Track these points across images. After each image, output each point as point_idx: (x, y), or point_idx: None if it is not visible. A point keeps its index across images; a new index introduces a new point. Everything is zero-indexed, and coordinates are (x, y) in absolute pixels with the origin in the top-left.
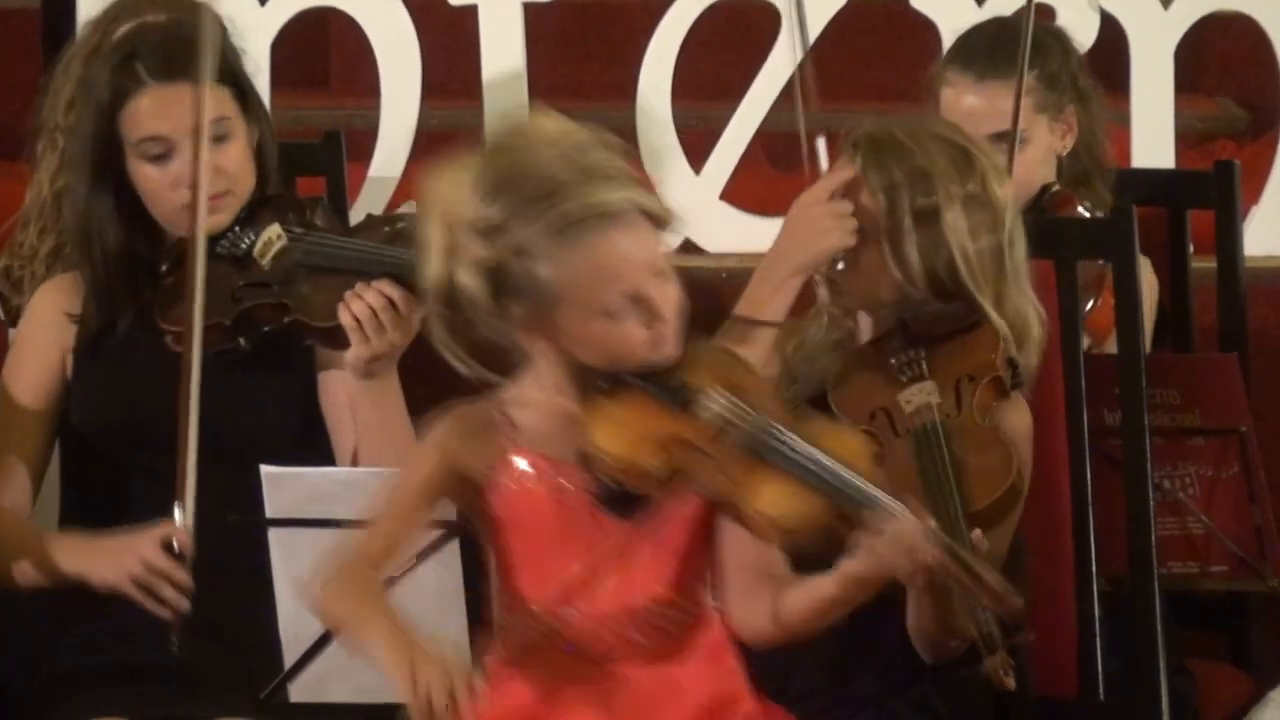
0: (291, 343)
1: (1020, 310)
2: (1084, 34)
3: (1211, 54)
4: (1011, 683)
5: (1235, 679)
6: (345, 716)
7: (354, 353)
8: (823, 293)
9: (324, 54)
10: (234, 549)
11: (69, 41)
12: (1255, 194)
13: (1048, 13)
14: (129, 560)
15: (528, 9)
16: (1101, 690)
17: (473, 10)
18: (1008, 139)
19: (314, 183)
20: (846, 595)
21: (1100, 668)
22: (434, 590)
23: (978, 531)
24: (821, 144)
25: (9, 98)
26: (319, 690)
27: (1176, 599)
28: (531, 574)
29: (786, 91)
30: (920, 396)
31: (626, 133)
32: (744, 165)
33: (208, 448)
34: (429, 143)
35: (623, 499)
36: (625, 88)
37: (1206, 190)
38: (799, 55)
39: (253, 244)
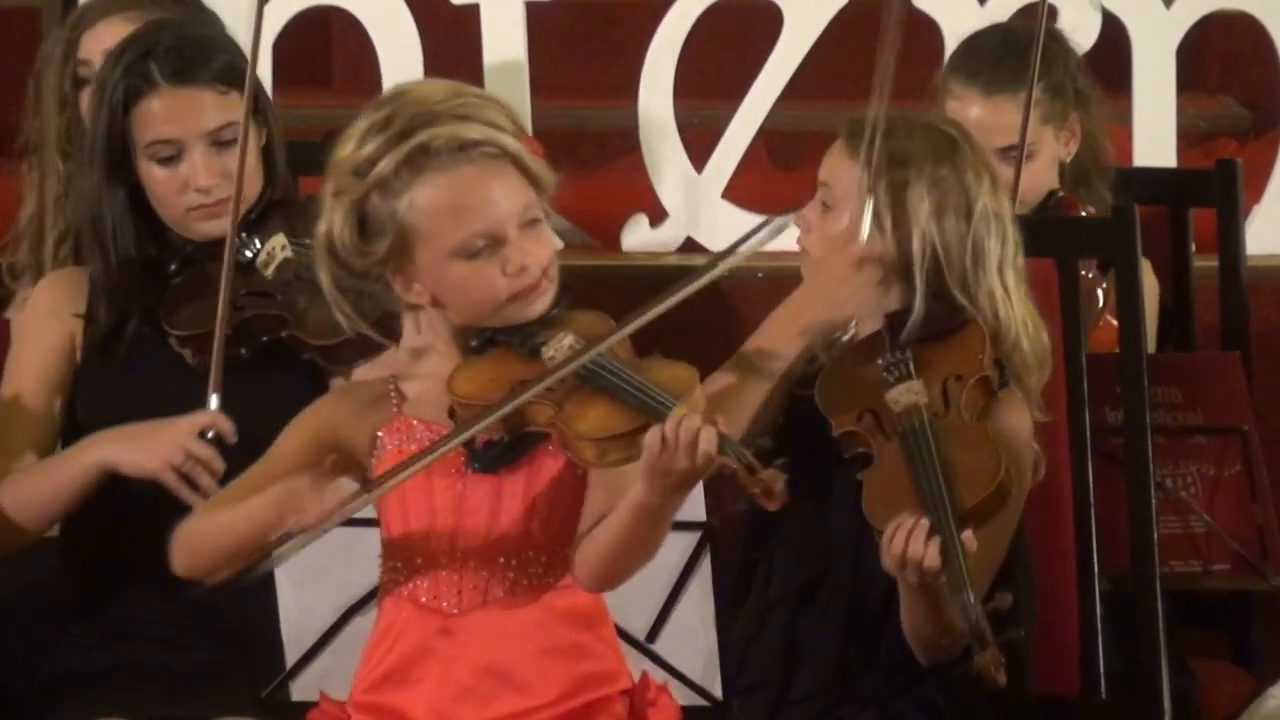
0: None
1: (1003, 312)
2: (1086, 33)
3: (1213, 53)
4: (1003, 678)
5: (1237, 677)
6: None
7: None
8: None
9: (326, 53)
10: None
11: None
12: (1257, 193)
13: (1050, 13)
14: (169, 449)
15: (529, 8)
16: (1103, 689)
17: (474, 9)
18: (1015, 151)
19: (316, 182)
20: (642, 508)
21: (1102, 666)
22: None
23: (968, 533)
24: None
25: (9, 98)
26: (321, 689)
27: (1178, 598)
28: (402, 530)
29: (788, 90)
30: (907, 396)
31: (628, 131)
32: (746, 164)
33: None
34: None
35: (493, 457)
36: (627, 86)
37: (1208, 189)
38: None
39: (257, 252)
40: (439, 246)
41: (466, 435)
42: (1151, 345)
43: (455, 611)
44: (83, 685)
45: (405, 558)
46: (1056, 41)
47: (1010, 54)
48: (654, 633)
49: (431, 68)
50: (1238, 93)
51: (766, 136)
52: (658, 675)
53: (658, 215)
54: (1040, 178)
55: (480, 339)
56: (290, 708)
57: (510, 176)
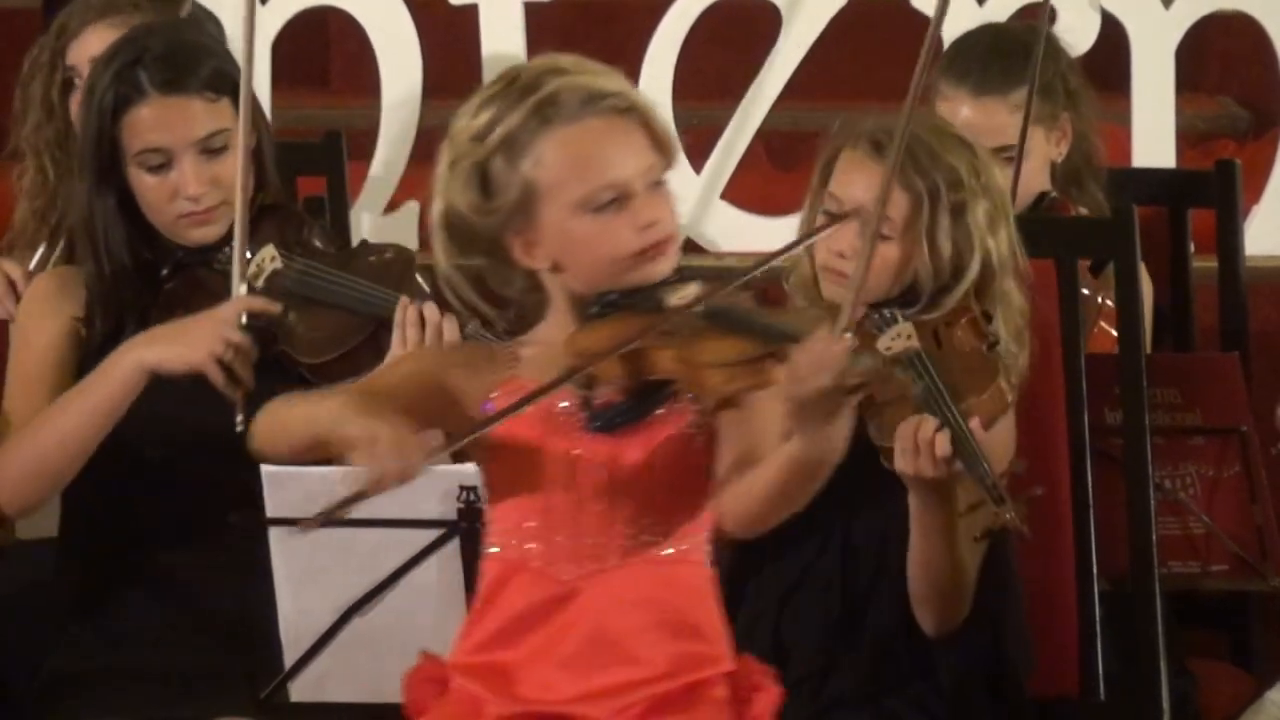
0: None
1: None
2: (1085, 34)
3: (1212, 53)
4: (1027, 530)
5: (1236, 679)
6: (345, 716)
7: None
8: (829, 287)
9: (324, 53)
10: (234, 549)
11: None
12: (1256, 193)
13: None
14: (211, 339)
15: (528, 8)
16: (1102, 690)
17: (473, 9)
18: (1005, 153)
19: (314, 182)
20: (797, 459)
21: (1101, 667)
22: (434, 590)
23: (976, 419)
24: None
25: (9, 98)
26: (319, 690)
27: (1177, 599)
28: (513, 492)
29: (787, 91)
30: (899, 342)
31: None
32: (745, 165)
33: (206, 448)
34: (429, 143)
35: (612, 417)
36: None
37: (1207, 189)
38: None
39: (248, 264)
40: (565, 201)
41: (585, 370)
42: (1146, 346)
43: (569, 577)
44: (82, 685)
45: (515, 521)
46: (1048, 41)
47: (1000, 55)
48: None
49: (430, 68)
50: (1237, 93)
51: (765, 137)
52: None
53: None
54: (1031, 178)
55: (601, 303)
56: (289, 709)
57: (636, 134)
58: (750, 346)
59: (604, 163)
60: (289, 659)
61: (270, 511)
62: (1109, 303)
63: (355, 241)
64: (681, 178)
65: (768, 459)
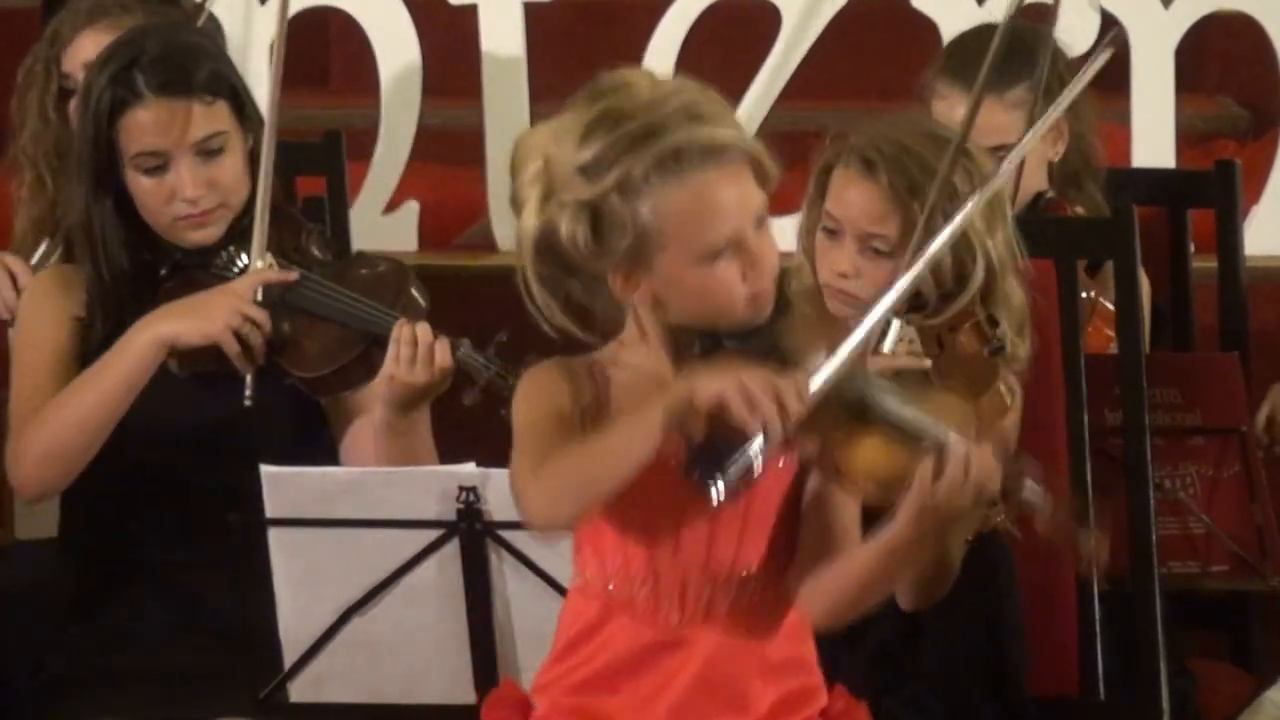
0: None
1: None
2: (1084, 34)
3: (1212, 53)
4: (1017, 532)
5: (1236, 679)
6: (345, 716)
7: (388, 371)
8: (833, 303)
9: (324, 53)
10: (234, 549)
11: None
12: (1256, 193)
13: (1047, 13)
14: (228, 312)
15: (528, 8)
16: (1102, 690)
17: (473, 10)
18: (1001, 152)
19: (314, 182)
20: (904, 539)
21: (1101, 667)
22: (434, 590)
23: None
24: None
25: (9, 97)
26: (319, 690)
27: (1177, 598)
28: (621, 535)
29: (786, 91)
30: (902, 347)
31: None
32: None
33: (206, 448)
34: (429, 143)
35: (713, 465)
36: None
37: (1207, 190)
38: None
39: (245, 269)
40: (682, 251)
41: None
42: (1145, 346)
43: (676, 622)
44: (82, 686)
45: (621, 560)
46: (1045, 42)
47: (997, 54)
48: None
49: (430, 68)
50: (1237, 93)
51: (765, 137)
52: None
53: None
54: (1028, 178)
55: (704, 345)
56: (289, 709)
57: (746, 177)
58: (906, 457)
59: (724, 215)
60: (289, 659)
61: (270, 511)
62: (1105, 303)
63: (355, 241)
64: None
65: (854, 552)
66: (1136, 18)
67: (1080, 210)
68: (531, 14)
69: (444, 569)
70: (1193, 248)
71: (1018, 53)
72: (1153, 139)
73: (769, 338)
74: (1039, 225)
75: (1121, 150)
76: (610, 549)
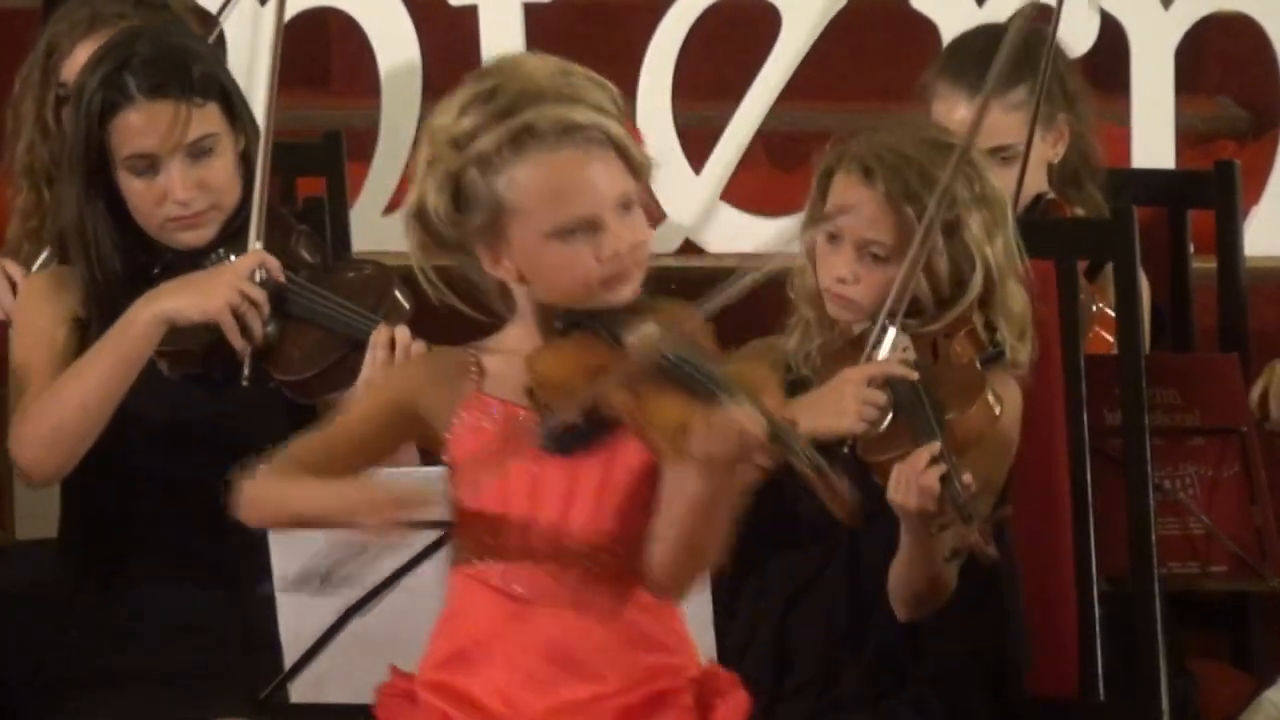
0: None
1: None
2: (1084, 34)
3: (1212, 54)
4: (993, 550)
5: (1236, 679)
6: (345, 717)
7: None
8: (832, 307)
9: (324, 54)
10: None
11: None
12: (1256, 194)
13: (1046, 13)
14: (227, 291)
15: (528, 9)
16: (1102, 690)
17: (473, 10)
18: (1001, 153)
19: (314, 183)
20: (699, 492)
21: (1100, 668)
22: (434, 591)
23: (968, 475)
24: None
25: (8, 97)
26: (319, 690)
27: (1177, 599)
28: (475, 508)
29: (786, 91)
30: (896, 354)
31: None
32: (744, 165)
33: (204, 448)
34: None
35: (569, 440)
36: (626, 88)
37: (1207, 190)
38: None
39: None
40: (534, 226)
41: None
42: (1145, 346)
43: (527, 596)
44: (82, 686)
45: (477, 536)
46: (1044, 41)
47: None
48: None
49: (430, 68)
50: (1236, 94)
51: (765, 138)
52: None
53: (656, 217)
54: (1029, 180)
55: (565, 321)
56: (289, 709)
57: (611, 161)
58: (691, 411)
59: (576, 194)
60: (289, 659)
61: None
62: (1106, 309)
63: (355, 242)
64: (681, 178)
65: (667, 513)
66: (1136, 18)
67: (1080, 211)
68: (531, 14)
69: (443, 569)
70: (1192, 248)
71: (1018, 54)
72: (1152, 139)
73: (620, 316)
74: (1039, 226)
75: (1121, 151)
76: (467, 524)
